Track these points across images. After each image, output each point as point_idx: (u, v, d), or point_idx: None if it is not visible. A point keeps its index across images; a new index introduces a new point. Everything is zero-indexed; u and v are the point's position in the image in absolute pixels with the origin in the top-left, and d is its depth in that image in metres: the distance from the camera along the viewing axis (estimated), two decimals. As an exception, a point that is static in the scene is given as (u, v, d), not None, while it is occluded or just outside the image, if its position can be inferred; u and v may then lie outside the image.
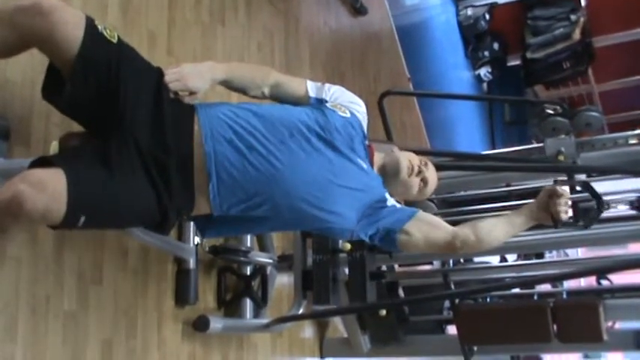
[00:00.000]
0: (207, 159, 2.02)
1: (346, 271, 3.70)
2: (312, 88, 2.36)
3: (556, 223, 2.29)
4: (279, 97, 2.36)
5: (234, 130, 2.05)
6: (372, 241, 2.34)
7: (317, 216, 2.15)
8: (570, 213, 2.41)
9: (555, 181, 2.44)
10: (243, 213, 2.11)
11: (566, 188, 2.51)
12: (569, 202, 2.35)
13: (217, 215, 2.10)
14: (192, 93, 2.10)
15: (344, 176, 2.16)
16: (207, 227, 2.22)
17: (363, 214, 2.24)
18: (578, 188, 3.31)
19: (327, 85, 2.39)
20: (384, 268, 3.74)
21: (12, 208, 1.65)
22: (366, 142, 2.34)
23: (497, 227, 2.32)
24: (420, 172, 2.34)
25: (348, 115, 2.29)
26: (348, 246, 3.24)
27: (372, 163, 2.32)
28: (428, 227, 2.29)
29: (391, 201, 2.33)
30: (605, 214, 3.60)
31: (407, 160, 2.34)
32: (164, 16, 3.12)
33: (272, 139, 2.08)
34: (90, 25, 1.88)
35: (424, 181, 2.36)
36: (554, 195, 2.27)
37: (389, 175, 2.33)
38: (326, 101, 2.33)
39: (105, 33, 1.92)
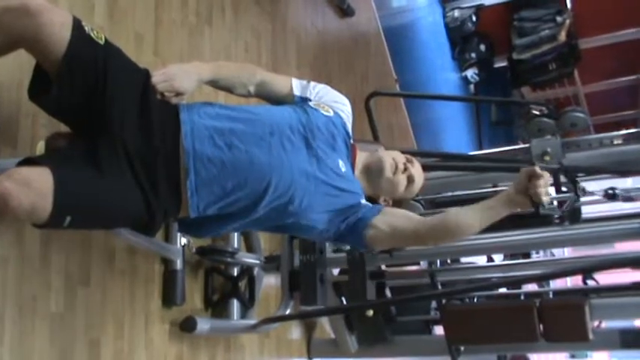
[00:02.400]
0: (186, 155, 2.02)
1: (334, 271, 3.71)
2: (297, 87, 2.37)
3: (537, 207, 2.10)
4: (264, 95, 2.36)
5: (215, 127, 2.06)
6: (340, 241, 2.32)
7: (290, 214, 2.16)
8: (552, 195, 2.26)
9: (533, 163, 2.34)
10: (220, 211, 2.11)
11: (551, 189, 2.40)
12: (550, 184, 2.15)
13: (194, 217, 2.09)
14: (179, 94, 2.10)
15: (321, 177, 2.16)
16: (189, 229, 2.23)
17: (336, 215, 2.23)
18: (564, 189, 3.34)
19: (312, 84, 2.39)
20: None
21: None
22: (350, 142, 2.34)
23: (471, 214, 2.18)
24: (405, 169, 2.32)
25: (332, 113, 2.29)
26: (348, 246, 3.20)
27: (353, 163, 2.31)
28: (394, 219, 2.21)
29: (365, 205, 2.30)
30: (591, 214, 3.64)
31: (390, 158, 2.32)
32: (151, 17, 3.11)
33: (252, 137, 2.08)
34: (77, 26, 1.87)
35: (410, 179, 2.33)
36: (533, 176, 2.07)
37: (374, 174, 2.32)
38: (310, 100, 2.33)
39: (92, 34, 1.91)
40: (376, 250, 2.68)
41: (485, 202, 2.20)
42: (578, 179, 3.01)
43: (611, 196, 3.17)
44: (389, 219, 2.20)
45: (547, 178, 2.09)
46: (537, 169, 2.08)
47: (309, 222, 2.20)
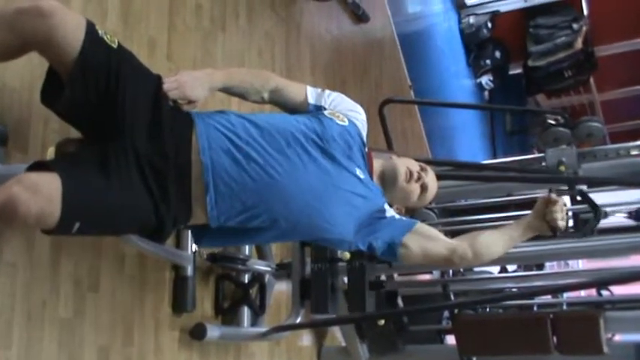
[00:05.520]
0: (205, 170, 2.00)
1: (345, 279, 3.68)
2: (311, 95, 2.35)
3: (554, 231, 2.27)
4: (278, 102, 2.34)
5: (232, 141, 2.04)
6: (372, 252, 2.32)
7: (314, 226, 2.14)
8: (569, 221, 2.41)
9: (551, 190, 2.42)
10: (241, 224, 2.09)
11: (566, 198, 2.53)
12: (566, 210, 2.34)
13: (215, 227, 2.08)
14: (190, 101, 2.08)
15: (341, 186, 2.15)
16: (203, 236, 2.21)
17: (362, 224, 2.22)
18: (578, 198, 3.30)
19: (326, 92, 2.37)
20: (383, 277, 3.72)
21: (6, 211, 1.63)
22: (366, 150, 2.32)
23: (495, 241, 2.34)
24: (419, 177, 2.31)
25: (346, 122, 2.27)
26: (348, 255, 3.23)
27: (371, 172, 2.30)
28: (426, 241, 2.29)
29: (390, 212, 2.31)
30: (606, 225, 3.60)
31: (405, 166, 2.31)
32: (164, 22, 3.10)
33: (270, 148, 2.06)
34: (90, 29, 1.86)
35: (423, 187, 2.32)
36: (549, 203, 2.26)
37: (388, 182, 2.31)
38: (324, 108, 2.31)
39: (105, 38, 1.90)
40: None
41: (507, 228, 2.39)
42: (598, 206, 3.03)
43: (635, 216, 3.18)
44: (421, 241, 2.29)
45: (563, 203, 2.27)
46: (553, 195, 2.26)
47: (334, 233, 2.19)
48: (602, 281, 3.46)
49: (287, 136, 2.10)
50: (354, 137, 2.26)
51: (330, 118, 2.25)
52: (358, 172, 2.21)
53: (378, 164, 2.33)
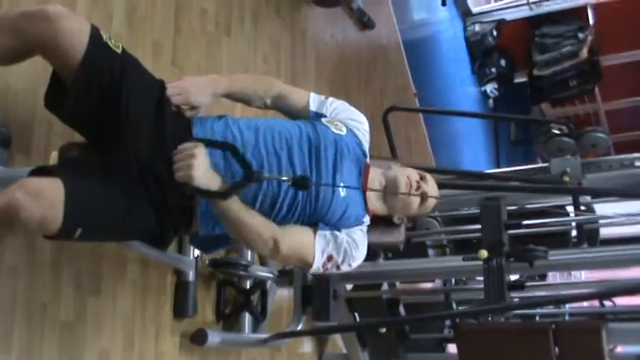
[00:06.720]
0: None
1: (347, 287, 3.67)
2: (313, 102, 2.33)
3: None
4: (281, 108, 2.34)
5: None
6: None
7: None
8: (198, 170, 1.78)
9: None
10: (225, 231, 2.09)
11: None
12: (189, 154, 1.78)
13: (202, 235, 2.08)
14: (193, 107, 2.08)
15: (320, 198, 2.11)
16: (198, 244, 2.21)
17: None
18: (582, 208, 3.28)
19: (330, 100, 2.35)
20: (385, 285, 3.71)
21: (7, 215, 1.64)
22: (366, 161, 2.29)
23: None
24: (418, 187, 2.26)
25: (344, 132, 2.24)
26: (485, 253, 3.07)
27: (365, 184, 2.25)
28: None
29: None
30: (610, 236, 3.58)
31: (404, 177, 2.25)
32: (170, 26, 3.10)
33: (263, 153, 2.05)
34: (95, 33, 1.87)
35: (423, 196, 2.27)
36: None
37: (388, 194, 2.28)
38: (325, 116, 2.29)
39: (109, 43, 1.91)
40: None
41: None
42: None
43: None
44: None
45: (182, 150, 1.82)
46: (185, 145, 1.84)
47: None
48: (606, 292, 3.44)
49: (281, 140, 2.09)
50: (350, 147, 2.21)
51: (327, 126, 2.22)
52: (341, 185, 2.14)
53: (377, 174, 2.28)
